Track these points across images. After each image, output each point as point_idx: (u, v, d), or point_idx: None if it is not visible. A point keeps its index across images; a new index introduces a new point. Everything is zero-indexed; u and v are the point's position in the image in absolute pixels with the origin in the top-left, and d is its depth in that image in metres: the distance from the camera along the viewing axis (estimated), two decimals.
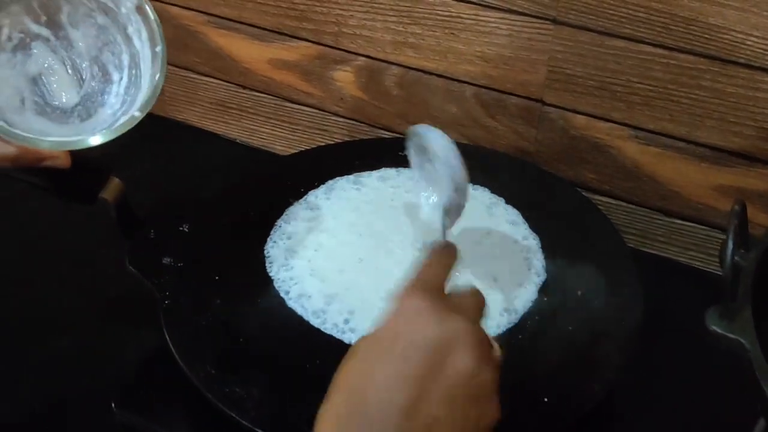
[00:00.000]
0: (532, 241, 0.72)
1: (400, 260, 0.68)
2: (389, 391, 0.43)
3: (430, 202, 0.64)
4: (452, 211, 0.61)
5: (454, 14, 0.81)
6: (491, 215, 0.74)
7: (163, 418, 0.66)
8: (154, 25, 0.58)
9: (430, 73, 0.85)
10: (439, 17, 0.82)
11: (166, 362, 0.62)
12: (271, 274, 0.68)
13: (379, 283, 0.66)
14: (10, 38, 0.57)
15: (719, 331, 0.53)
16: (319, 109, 0.94)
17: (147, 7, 0.57)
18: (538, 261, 0.70)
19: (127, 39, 0.59)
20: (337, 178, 0.78)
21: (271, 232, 0.72)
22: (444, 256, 0.52)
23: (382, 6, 0.84)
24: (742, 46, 0.70)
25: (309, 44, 0.90)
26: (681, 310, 0.74)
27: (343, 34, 0.87)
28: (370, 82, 0.89)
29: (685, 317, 0.73)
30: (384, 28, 0.85)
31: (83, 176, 0.66)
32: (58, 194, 0.67)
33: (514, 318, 0.65)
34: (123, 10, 0.58)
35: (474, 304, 0.49)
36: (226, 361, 0.61)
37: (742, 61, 0.71)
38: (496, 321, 0.64)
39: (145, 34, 0.58)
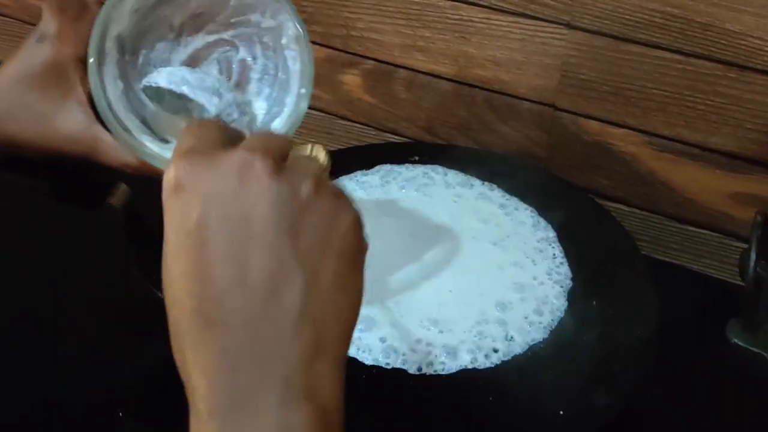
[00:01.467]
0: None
1: (402, 261, 0.67)
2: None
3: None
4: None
5: (465, 18, 0.80)
6: (509, 217, 0.73)
7: (170, 427, 0.65)
8: (308, 65, 0.52)
9: (440, 77, 0.85)
10: (449, 20, 0.81)
11: (173, 369, 0.60)
12: None
13: (382, 285, 0.65)
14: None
15: (741, 344, 0.52)
16: (327, 113, 0.94)
17: (304, 40, 0.52)
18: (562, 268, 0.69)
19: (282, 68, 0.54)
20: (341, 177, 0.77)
21: None
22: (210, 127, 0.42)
23: (391, 9, 0.83)
24: (760, 52, 0.70)
25: (317, 47, 0.89)
26: (696, 319, 0.74)
27: (351, 37, 0.86)
28: (379, 86, 0.88)
29: (701, 327, 0.73)
30: (393, 31, 0.84)
31: (90, 181, 0.64)
32: (65, 200, 0.66)
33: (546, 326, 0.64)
34: (284, 40, 0.53)
35: (257, 138, 0.41)
36: None
37: (759, 67, 0.70)
38: (524, 337, 0.63)
39: (298, 67, 0.53)
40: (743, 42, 0.70)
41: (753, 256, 0.53)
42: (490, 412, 0.58)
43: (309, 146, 0.45)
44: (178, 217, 0.40)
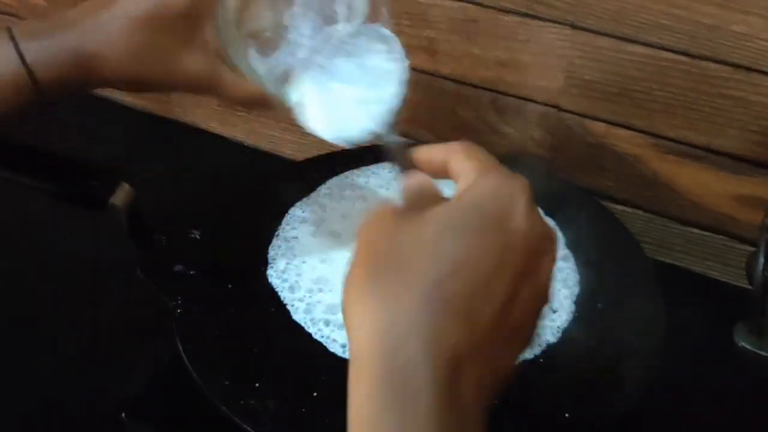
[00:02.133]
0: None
1: None
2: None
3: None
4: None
5: (470, 18, 0.79)
6: None
7: (173, 429, 0.65)
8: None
9: (444, 78, 0.84)
10: (454, 21, 0.80)
11: (178, 372, 0.60)
12: (275, 282, 0.67)
13: None
14: None
15: (748, 347, 0.51)
16: None
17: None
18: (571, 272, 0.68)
19: None
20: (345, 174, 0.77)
21: (276, 237, 0.71)
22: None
23: (396, 9, 0.81)
24: (767, 54, 0.69)
25: None
26: (700, 321, 0.73)
27: None
28: None
29: (706, 329, 0.73)
30: (396, 31, 0.82)
31: (93, 182, 0.64)
32: (68, 200, 0.65)
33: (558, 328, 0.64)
34: None
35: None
36: (240, 373, 0.59)
37: (766, 69, 0.70)
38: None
39: None
40: (750, 44, 0.69)
41: (761, 259, 0.53)
42: (495, 415, 0.58)
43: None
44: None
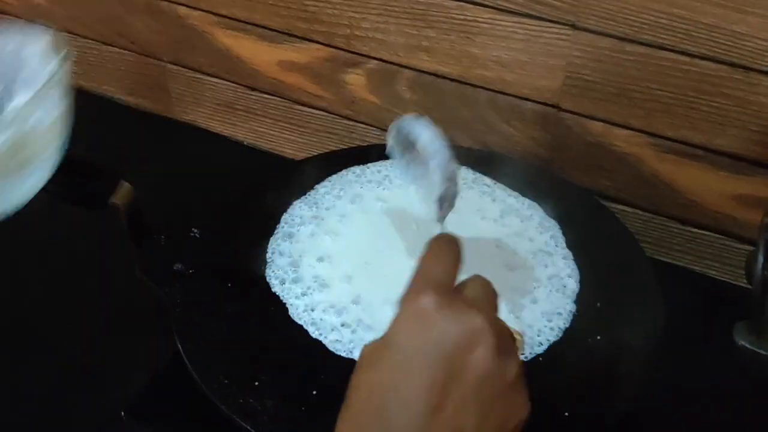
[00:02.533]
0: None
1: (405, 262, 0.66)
2: (409, 403, 0.41)
3: (422, 195, 0.60)
4: (446, 201, 0.58)
5: (470, 18, 0.79)
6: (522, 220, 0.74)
7: (173, 428, 0.65)
8: None
9: (444, 77, 0.84)
10: (454, 21, 0.80)
11: (177, 371, 0.60)
12: (274, 281, 0.67)
13: (387, 288, 0.64)
14: None
15: (748, 346, 0.52)
16: (329, 113, 0.93)
17: None
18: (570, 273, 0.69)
19: None
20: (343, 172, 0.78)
21: (275, 236, 0.71)
22: (445, 248, 0.48)
23: (395, 9, 0.82)
24: (766, 53, 0.69)
25: (320, 46, 0.89)
26: (699, 321, 0.74)
27: (355, 36, 0.86)
28: (382, 86, 0.88)
29: (705, 329, 0.73)
30: (397, 31, 0.83)
31: (92, 181, 0.64)
32: (68, 199, 0.65)
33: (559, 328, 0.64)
34: None
35: (485, 294, 0.46)
36: (239, 372, 0.59)
37: (765, 69, 0.70)
38: (529, 339, 0.62)
39: None
40: (749, 43, 0.69)
41: (761, 258, 0.53)
42: None
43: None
44: (424, 338, 0.43)
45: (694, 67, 0.72)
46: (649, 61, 0.74)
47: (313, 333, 0.62)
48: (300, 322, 0.63)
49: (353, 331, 0.62)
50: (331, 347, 0.61)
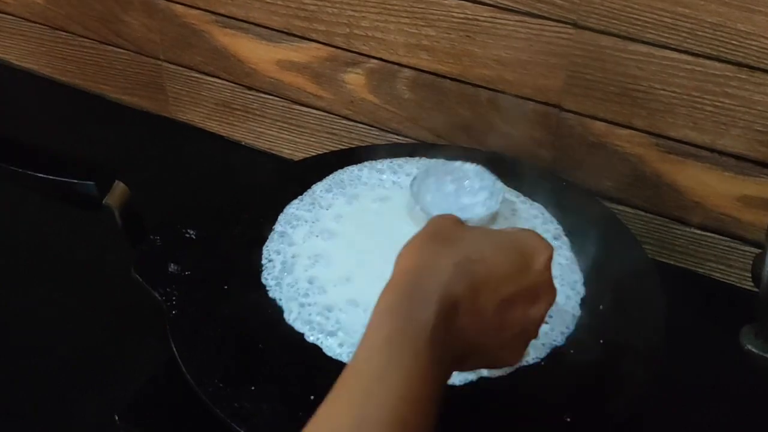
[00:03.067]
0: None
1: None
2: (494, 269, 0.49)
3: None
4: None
5: (470, 16, 0.78)
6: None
7: None
8: None
9: (444, 77, 0.83)
10: (454, 19, 0.79)
11: (172, 374, 0.59)
12: (270, 283, 0.66)
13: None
14: None
15: (755, 350, 0.51)
16: (328, 113, 0.92)
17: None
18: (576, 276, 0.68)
19: None
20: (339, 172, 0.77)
21: (271, 237, 0.70)
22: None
23: (395, 7, 0.81)
24: None
25: (319, 45, 0.88)
26: (703, 323, 0.73)
27: (354, 35, 0.85)
28: (382, 85, 0.87)
29: (708, 331, 0.72)
30: (397, 29, 0.83)
31: (87, 181, 0.63)
32: (62, 199, 0.64)
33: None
34: None
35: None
36: (235, 375, 0.58)
37: None
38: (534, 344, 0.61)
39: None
40: (754, 42, 0.68)
41: (767, 261, 0.52)
42: (499, 418, 0.57)
43: None
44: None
45: (698, 66, 0.71)
46: (651, 60, 0.73)
47: (308, 336, 0.61)
48: (293, 325, 0.62)
49: (350, 334, 0.61)
50: (328, 351, 0.60)
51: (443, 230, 0.52)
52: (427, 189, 0.69)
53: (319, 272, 0.66)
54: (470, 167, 0.71)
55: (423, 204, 0.68)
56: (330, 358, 0.60)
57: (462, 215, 0.63)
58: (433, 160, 0.74)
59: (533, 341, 0.60)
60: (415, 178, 0.70)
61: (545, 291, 0.52)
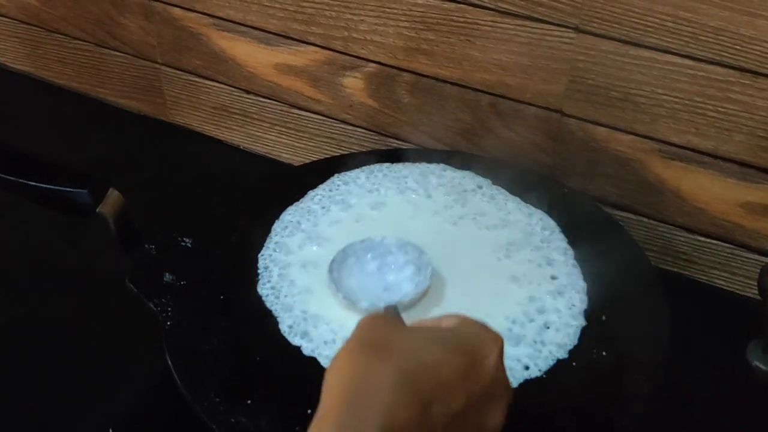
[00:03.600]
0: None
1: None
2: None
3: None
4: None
5: (470, 20, 0.77)
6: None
7: None
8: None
9: (444, 81, 0.82)
10: (454, 23, 0.78)
11: (167, 387, 0.58)
12: (265, 293, 0.65)
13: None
14: None
15: (762, 367, 0.49)
16: (327, 117, 0.91)
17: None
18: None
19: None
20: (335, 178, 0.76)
21: (265, 246, 0.69)
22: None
23: (394, 11, 0.80)
24: None
25: (317, 49, 0.87)
26: (707, 333, 0.72)
27: (353, 39, 0.84)
28: (381, 90, 0.86)
29: (711, 340, 0.71)
30: (396, 33, 0.82)
31: (80, 188, 0.62)
32: (54, 207, 0.63)
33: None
34: None
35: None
36: (232, 389, 0.58)
37: None
38: (537, 357, 0.60)
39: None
40: (757, 47, 0.67)
41: None
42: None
43: None
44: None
45: (701, 71, 0.70)
46: (654, 65, 0.72)
47: (306, 350, 0.60)
48: (287, 336, 0.61)
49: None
50: (325, 364, 0.59)
51: (376, 336, 0.45)
52: (349, 272, 0.64)
53: (314, 281, 0.65)
54: (391, 241, 0.66)
55: (345, 291, 0.62)
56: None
57: (389, 296, 0.61)
58: (352, 242, 0.67)
59: (532, 353, 0.60)
60: (333, 261, 0.64)
61: (500, 391, 0.47)
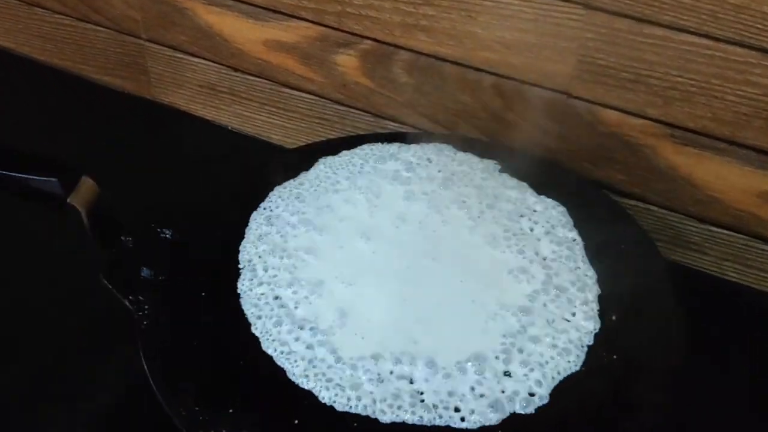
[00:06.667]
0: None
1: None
2: None
3: None
4: None
5: None
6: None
7: None
8: None
9: (444, 60, 0.79)
10: None
11: (142, 393, 0.55)
12: (245, 289, 0.61)
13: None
14: None
15: None
16: (320, 96, 0.88)
17: None
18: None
19: None
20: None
21: (248, 239, 0.65)
22: None
23: None
24: None
25: (309, 25, 0.83)
26: (717, 329, 0.69)
27: (347, 14, 0.80)
28: (377, 68, 0.82)
29: (723, 338, 0.68)
30: (393, 8, 0.78)
31: (49, 177, 0.58)
32: (23, 198, 0.59)
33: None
34: None
35: None
36: (212, 396, 0.54)
37: None
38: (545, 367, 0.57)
39: None
40: None
41: None
42: None
43: None
44: None
45: (719, 51, 0.67)
46: (668, 45, 0.68)
47: (276, 356, 0.56)
48: (260, 339, 0.57)
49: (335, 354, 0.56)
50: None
51: None
52: None
53: (300, 275, 0.61)
54: None
55: None
56: None
57: None
58: None
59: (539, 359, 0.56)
60: None
61: None
